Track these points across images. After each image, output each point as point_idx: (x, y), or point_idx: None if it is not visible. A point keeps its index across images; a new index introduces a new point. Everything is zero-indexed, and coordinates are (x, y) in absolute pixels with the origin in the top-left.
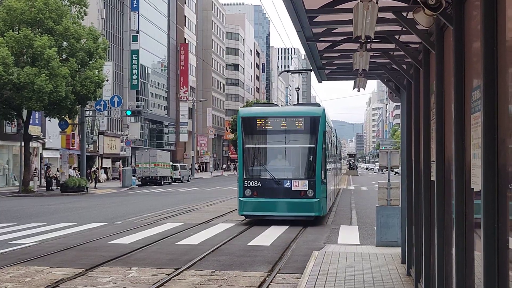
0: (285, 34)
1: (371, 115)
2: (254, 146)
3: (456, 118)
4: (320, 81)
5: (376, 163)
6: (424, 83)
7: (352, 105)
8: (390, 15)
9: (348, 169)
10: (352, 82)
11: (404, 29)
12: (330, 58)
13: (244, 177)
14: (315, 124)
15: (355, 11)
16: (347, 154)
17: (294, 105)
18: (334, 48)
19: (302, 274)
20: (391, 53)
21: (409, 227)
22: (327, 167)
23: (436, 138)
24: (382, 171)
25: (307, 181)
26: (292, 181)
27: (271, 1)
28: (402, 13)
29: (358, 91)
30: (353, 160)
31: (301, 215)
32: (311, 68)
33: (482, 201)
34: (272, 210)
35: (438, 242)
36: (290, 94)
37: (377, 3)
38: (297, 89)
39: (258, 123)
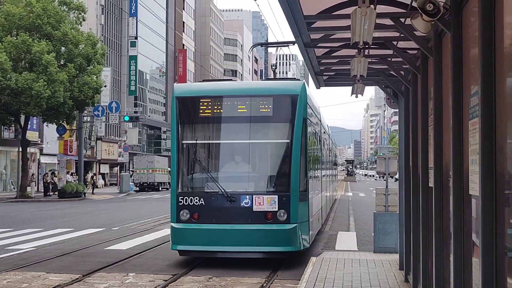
0: (283, 40)
1: (369, 121)
2: (195, 142)
3: (454, 124)
4: (318, 87)
5: (375, 169)
6: (422, 89)
7: (350, 111)
8: (388, 21)
9: (346, 175)
10: (350, 88)
11: (402, 35)
12: (328, 64)
13: (179, 190)
14: (291, 108)
15: (353, 17)
16: (345, 160)
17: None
18: (332, 54)
19: (299, 280)
20: (389, 59)
21: (407, 233)
22: (310, 174)
23: (434, 144)
24: (383, 178)
25: (277, 196)
26: (254, 196)
27: (269, 7)
28: (400, 19)
29: (356, 97)
30: (351, 166)
31: (266, 250)
32: (294, 41)
33: (480, 207)
34: (222, 242)
35: (436, 249)
36: None
37: (375, 9)
38: (273, 67)
39: (202, 107)
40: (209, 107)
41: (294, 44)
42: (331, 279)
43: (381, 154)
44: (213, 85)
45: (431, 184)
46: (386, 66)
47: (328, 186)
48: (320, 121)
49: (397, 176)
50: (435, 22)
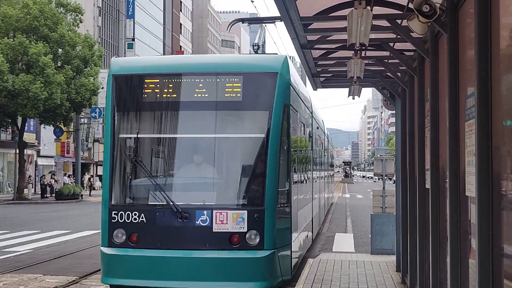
0: (280, 42)
1: (366, 123)
2: (136, 136)
3: (450, 125)
4: (315, 88)
5: (373, 171)
6: (419, 91)
7: (347, 113)
8: (384, 23)
9: (343, 177)
10: (347, 89)
11: (398, 36)
12: (325, 66)
13: (113, 202)
14: (268, 90)
15: (350, 18)
16: (343, 162)
17: None
18: (329, 56)
19: (296, 282)
20: (386, 60)
21: (404, 235)
22: (295, 179)
23: (430, 145)
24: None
25: (246, 211)
26: (214, 212)
27: (266, 9)
28: (397, 20)
29: (353, 98)
30: (348, 168)
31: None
32: (280, 17)
33: (476, 209)
34: (170, 276)
35: (432, 250)
36: None
37: (371, 10)
38: (255, 47)
39: (147, 89)
40: (157, 89)
41: (281, 21)
42: (328, 280)
43: (378, 156)
44: (163, 60)
45: (427, 185)
46: (383, 68)
47: (322, 191)
48: (311, 111)
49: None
50: (432, 23)
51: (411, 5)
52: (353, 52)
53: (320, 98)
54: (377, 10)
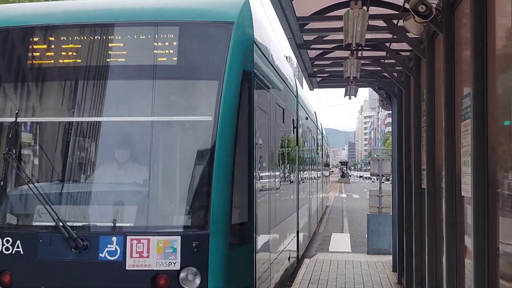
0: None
1: (363, 123)
2: (15, 121)
3: (446, 125)
4: (311, 88)
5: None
6: (415, 91)
7: (344, 113)
8: (380, 23)
9: (340, 177)
10: (343, 89)
11: (395, 36)
12: (322, 66)
13: None
14: (216, 50)
15: (346, 18)
16: (339, 162)
17: None
18: (325, 56)
19: (293, 282)
20: (382, 60)
21: (400, 235)
22: (264, 185)
23: (426, 145)
24: (381, 179)
25: (179, 238)
26: (128, 238)
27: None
28: (393, 20)
29: (350, 98)
30: (345, 168)
31: None
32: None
33: (472, 209)
34: None
35: (428, 250)
36: None
37: (367, 10)
38: None
39: (37, 46)
40: (53, 48)
41: None
42: (325, 280)
43: (375, 156)
44: (64, 5)
45: (423, 185)
46: (379, 68)
47: (314, 195)
48: (296, 94)
49: None
50: (428, 23)
51: (407, 5)
52: (349, 52)
53: (316, 98)
54: (373, 10)
